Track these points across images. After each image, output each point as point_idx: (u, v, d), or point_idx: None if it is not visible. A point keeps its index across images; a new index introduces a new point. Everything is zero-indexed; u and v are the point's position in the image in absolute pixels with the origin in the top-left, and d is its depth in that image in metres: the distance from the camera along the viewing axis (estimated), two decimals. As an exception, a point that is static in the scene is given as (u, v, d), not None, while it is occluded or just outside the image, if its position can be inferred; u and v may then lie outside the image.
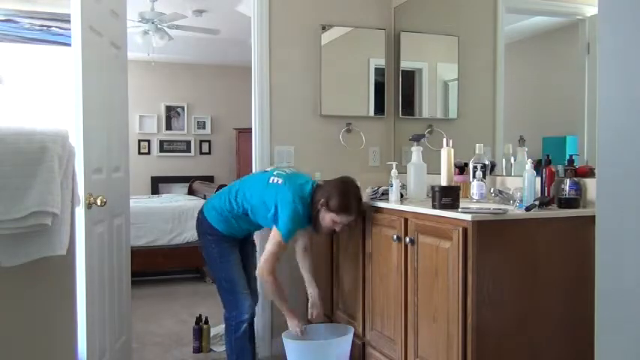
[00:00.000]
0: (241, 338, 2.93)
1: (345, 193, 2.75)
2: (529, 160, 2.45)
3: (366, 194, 2.89)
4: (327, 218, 2.75)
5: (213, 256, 2.97)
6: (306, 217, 2.80)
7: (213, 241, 2.96)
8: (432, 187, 2.43)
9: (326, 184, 2.84)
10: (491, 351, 2.12)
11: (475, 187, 2.61)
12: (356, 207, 2.77)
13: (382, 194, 2.90)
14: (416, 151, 2.90)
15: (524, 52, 3.01)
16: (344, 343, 2.84)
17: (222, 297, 3.00)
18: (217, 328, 3.92)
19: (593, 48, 2.46)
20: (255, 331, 3.42)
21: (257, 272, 2.88)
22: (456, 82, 3.47)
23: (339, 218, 2.74)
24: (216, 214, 2.95)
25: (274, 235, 2.78)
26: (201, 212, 3.03)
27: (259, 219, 2.89)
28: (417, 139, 2.97)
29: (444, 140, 2.92)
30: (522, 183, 2.42)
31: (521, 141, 2.82)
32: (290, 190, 2.77)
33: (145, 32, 6.02)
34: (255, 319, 3.39)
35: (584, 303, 1.99)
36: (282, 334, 2.88)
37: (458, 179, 2.85)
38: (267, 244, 2.81)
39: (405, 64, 3.82)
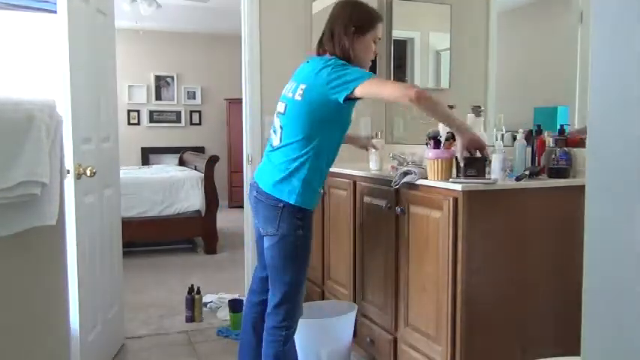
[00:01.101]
0: (290, 349, 2.38)
1: (359, 5, 2.34)
2: (520, 130, 2.44)
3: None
4: (365, 43, 2.30)
5: (300, 249, 2.28)
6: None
7: (302, 227, 2.26)
8: (456, 159, 2.24)
9: (335, 20, 2.32)
10: (480, 319, 2.15)
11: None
12: (376, 11, 2.38)
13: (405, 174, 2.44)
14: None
15: (516, 21, 2.99)
16: (347, 321, 2.79)
17: (280, 304, 2.31)
18: (209, 297, 3.95)
19: (585, 17, 2.44)
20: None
21: (406, 98, 2.04)
22: (448, 51, 3.45)
23: (377, 31, 2.32)
24: (299, 179, 2.22)
25: (368, 87, 2.10)
26: (274, 199, 2.23)
27: (335, 121, 2.25)
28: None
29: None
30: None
31: (476, 111, 2.72)
32: (318, 63, 2.24)
33: None
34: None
35: (574, 272, 2.02)
36: None
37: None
38: (387, 90, 2.15)
39: (397, 34, 3.78)
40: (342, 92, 2.12)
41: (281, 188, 2.23)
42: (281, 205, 2.22)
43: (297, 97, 2.23)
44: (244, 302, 2.64)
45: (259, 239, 2.45)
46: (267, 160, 2.35)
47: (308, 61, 2.35)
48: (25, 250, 1.65)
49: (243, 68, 3.57)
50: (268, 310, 2.36)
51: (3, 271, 1.57)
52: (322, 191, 2.52)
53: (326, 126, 2.24)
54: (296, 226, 2.24)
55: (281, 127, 2.30)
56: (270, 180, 2.26)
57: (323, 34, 2.38)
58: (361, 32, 2.29)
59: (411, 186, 2.39)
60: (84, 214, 2.61)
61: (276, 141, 2.31)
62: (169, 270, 5.08)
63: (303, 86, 2.23)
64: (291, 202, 2.21)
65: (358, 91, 2.10)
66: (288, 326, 2.33)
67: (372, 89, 2.13)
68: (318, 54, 2.37)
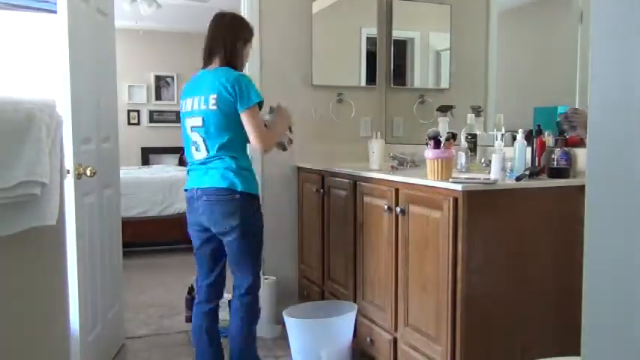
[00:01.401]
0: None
1: (243, 19, 2.70)
2: (520, 130, 2.44)
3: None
4: (247, 52, 2.65)
5: (259, 233, 2.55)
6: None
7: (258, 208, 2.54)
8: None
9: (223, 32, 2.59)
10: (480, 319, 2.15)
11: (463, 158, 2.62)
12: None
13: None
14: (442, 122, 2.88)
15: (516, 21, 2.99)
16: (347, 321, 2.79)
17: (252, 285, 2.56)
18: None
19: (585, 17, 2.44)
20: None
21: (262, 150, 2.51)
22: (448, 51, 3.45)
23: (251, 43, 2.68)
24: (247, 174, 2.50)
25: (249, 116, 2.41)
26: (230, 191, 2.41)
27: (234, 130, 2.46)
28: (444, 110, 2.96)
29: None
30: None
31: (476, 111, 2.81)
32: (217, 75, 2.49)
33: None
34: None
35: (573, 272, 2.02)
36: (283, 312, 2.87)
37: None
38: (253, 129, 2.43)
39: (397, 34, 3.78)
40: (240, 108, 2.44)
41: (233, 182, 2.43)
42: (237, 196, 2.41)
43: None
44: (193, 315, 2.68)
45: (202, 245, 2.58)
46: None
47: None
48: (25, 250, 1.65)
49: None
50: (241, 291, 2.55)
51: (3, 271, 1.57)
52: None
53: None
54: (253, 211, 2.48)
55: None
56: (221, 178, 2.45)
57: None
58: (247, 43, 2.64)
59: (411, 186, 2.39)
60: (84, 215, 2.61)
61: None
62: (169, 270, 5.08)
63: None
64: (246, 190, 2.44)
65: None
66: (257, 299, 2.61)
67: (248, 119, 2.43)
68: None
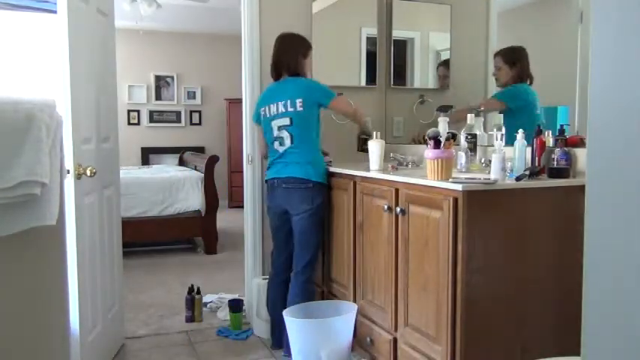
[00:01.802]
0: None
1: (300, 36, 3.16)
2: (520, 130, 2.44)
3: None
4: (309, 63, 3.15)
5: (324, 218, 3.11)
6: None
7: (325, 198, 3.10)
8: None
9: (287, 48, 3.10)
10: (480, 319, 2.15)
11: (463, 158, 2.62)
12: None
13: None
14: (442, 122, 2.88)
15: (516, 21, 2.99)
16: (347, 321, 2.79)
17: (309, 263, 3.06)
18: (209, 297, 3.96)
19: (585, 17, 2.44)
20: (256, 310, 3.43)
21: (353, 117, 3.26)
22: (448, 51, 3.45)
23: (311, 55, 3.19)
24: (318, 163, 3.05)
25: (335, 105, 3.10)
26: (302, 181, 2.99)
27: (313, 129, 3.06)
28: (444, 110, 2.97)
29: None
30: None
31: (476, 111, 2.83)
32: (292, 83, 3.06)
33: None
34: (257, 298, 3.42)
35: (573, 272, 2.02)
36: (283, 312, 2.87)
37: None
38: (343, 110, 3.24)
39: (397, 34, 3.78)
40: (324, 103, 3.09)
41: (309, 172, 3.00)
42: (311, 184, 2.98)
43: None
44: (269, 288, 3.22)
45: (281, 226, 3.13)
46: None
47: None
48: (25, 250, 1.65)
49: (243, 68, 3.57)
50: (298, 269, 3.05)
51: (3, 271, 1.57)
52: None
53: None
54: (323, 199, 3.05)
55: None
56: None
57: None
58: (306, 55, 3.12)
59: (411, 186, 2.39)
60: (84, 215, 2.61)
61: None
62: (169, 270, 5.08)
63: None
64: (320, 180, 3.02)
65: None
66: (313, 280, 3.10)
67: (339, 104, 3.16)
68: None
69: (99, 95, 2.90)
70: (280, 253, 3.18)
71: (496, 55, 3.01)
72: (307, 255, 3.03)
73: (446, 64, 3.49)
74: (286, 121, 3.00)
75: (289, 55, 3.07)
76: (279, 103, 3.02)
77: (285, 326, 2.84)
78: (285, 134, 3.01)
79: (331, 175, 3.12)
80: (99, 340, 2.81)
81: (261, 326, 3.43)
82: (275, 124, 3.04)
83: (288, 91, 3.01)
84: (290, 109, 2.98)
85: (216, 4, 6.79)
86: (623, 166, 0.87)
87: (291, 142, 3.00)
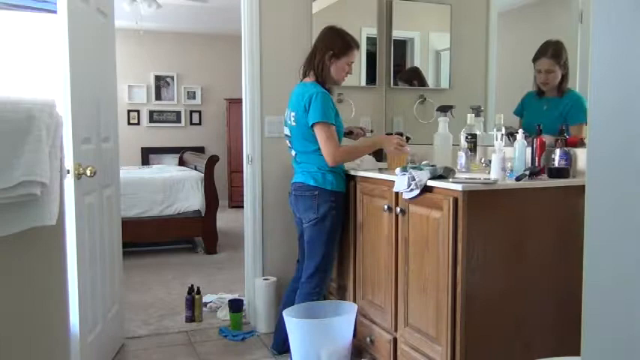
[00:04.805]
0: None
1: (340, 32, 2.84)
2: (520, 129, 2.44)
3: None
4: (339, 66, 2.82)
5: (334, 227, 2.86)
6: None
7: (336, 207, 2.84)
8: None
9: (318, 44, 2.85)
10: (479, 319, 2.15)
11: (463, 158, 2.62)
12: (354, 39, 2.88)
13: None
14: (442, 122, 2.89)
15: (516, 21, 2.99)
16: (347, 321, 2.78)
17: (315, 274, 2.89)
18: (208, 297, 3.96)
19: (585, 17, 2.44)
20: (256, 308, 3.44)
21: (330, 164, 2.76)
22: (448, 51, 3.45)
23: (351, 57, 2.84)
24: (328, 170, 2.81)
25: (318, 131, 2.72)
26: (308, 188, 2.82)
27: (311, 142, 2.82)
28: (444, 110, 2.97)
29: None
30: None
31: (476, 111, 2.85)
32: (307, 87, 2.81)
33: None
34: (257, 297, 3.41)
35: (573, 272, 2.02)
36: (283, 312, 2.87)
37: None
38: (321, 144, 2.74)
39: (397, 34, 3.78)
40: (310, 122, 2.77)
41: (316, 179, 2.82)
42: (316, 192, 2.80)
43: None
44: (290, 288, 3.09)
45: (301, 232, 2.98)
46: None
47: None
48: (25, 250, 1.65)
49: (243, 68, 3.57)
50: (302, 279, 2.92)
51: (3, 271, 1.57)
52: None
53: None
54: (332, 207, 2.82)
55: None
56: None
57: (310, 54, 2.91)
58: (337, 57, 2.80)
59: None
60: (84, 215, 2.61)
61: None
62: (169, 270, 5.07)
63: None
64: (327, 187, 2.81)
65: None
66: (319, 292, 2.91)
67: (320, 135, 2.74)
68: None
69: (99, 95, 2.89)
70: (302, 260, 3.07)
71: (541, 56, 2.65)
72: (312, 265, 2.89)
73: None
74: (287, 131, 2.96)
75: (313, 54, 2.86)
76: (288, 109, 2.95)
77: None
78: (290, 144, 2.97)
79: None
80: (99, 340, 2.81)
81: (261, 326, 3.43)
82: (285, 131, 3.00)
83: (292, 99, 2.91)
84: (289, 121, 2.91)
85: (216, 4, 6.79)
86: (623, 166, 0.87)
87: (295, 152, 2.94)
